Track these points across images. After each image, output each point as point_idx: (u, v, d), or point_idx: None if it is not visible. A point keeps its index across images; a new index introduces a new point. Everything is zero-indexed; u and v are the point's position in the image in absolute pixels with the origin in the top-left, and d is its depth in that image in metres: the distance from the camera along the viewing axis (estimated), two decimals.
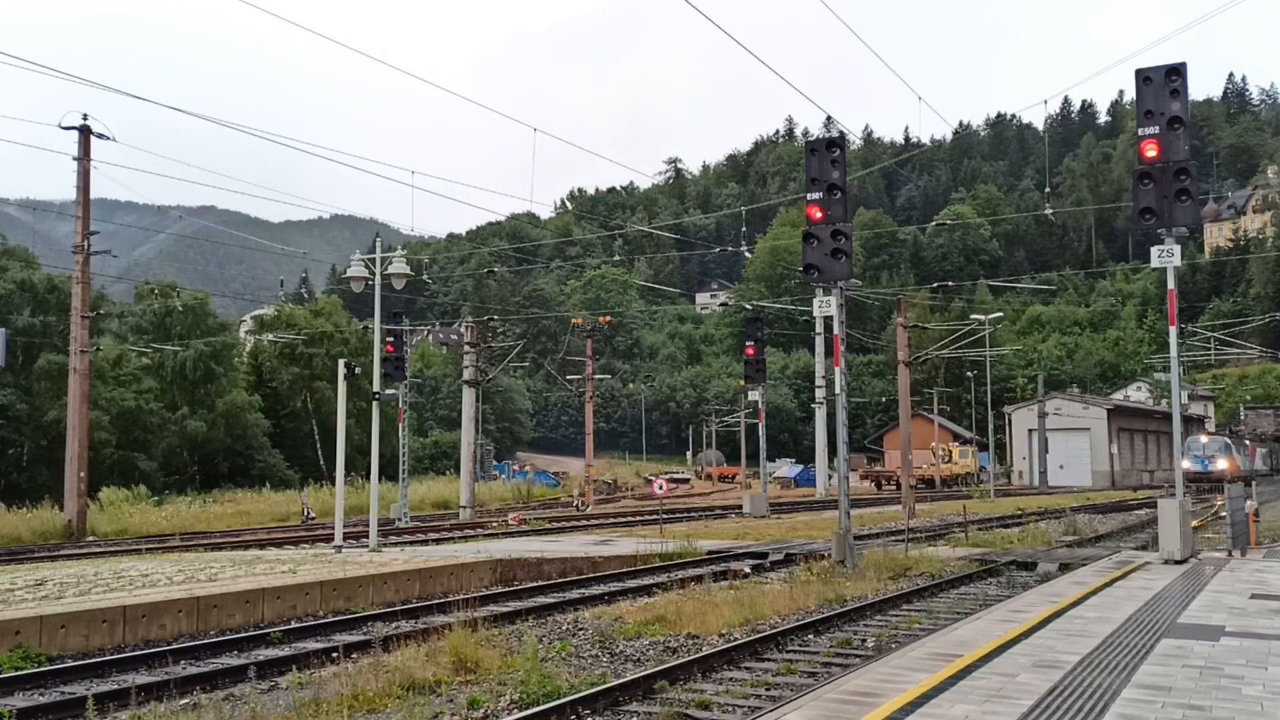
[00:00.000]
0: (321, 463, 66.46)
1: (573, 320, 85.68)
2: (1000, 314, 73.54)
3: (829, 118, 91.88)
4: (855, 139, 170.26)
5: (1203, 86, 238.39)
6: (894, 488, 63.71)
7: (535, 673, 9.83)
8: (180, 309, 66.82)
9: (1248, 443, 74.03)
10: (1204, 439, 61.76)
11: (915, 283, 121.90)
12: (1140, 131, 17.90)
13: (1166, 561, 17.14)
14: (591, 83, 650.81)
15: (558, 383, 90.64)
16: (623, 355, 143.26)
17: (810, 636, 12.89)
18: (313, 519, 40.91)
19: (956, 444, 79.15)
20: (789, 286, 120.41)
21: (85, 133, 32.45)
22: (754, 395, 43.24)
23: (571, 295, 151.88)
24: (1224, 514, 20.93)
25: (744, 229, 49.42)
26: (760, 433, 44.73)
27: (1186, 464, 61.28)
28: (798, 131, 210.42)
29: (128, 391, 59.95)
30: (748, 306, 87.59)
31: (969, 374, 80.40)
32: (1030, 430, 75.30)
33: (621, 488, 78.63)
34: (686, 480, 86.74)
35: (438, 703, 9.52)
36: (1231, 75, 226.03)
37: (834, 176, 20.05)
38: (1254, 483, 36.63)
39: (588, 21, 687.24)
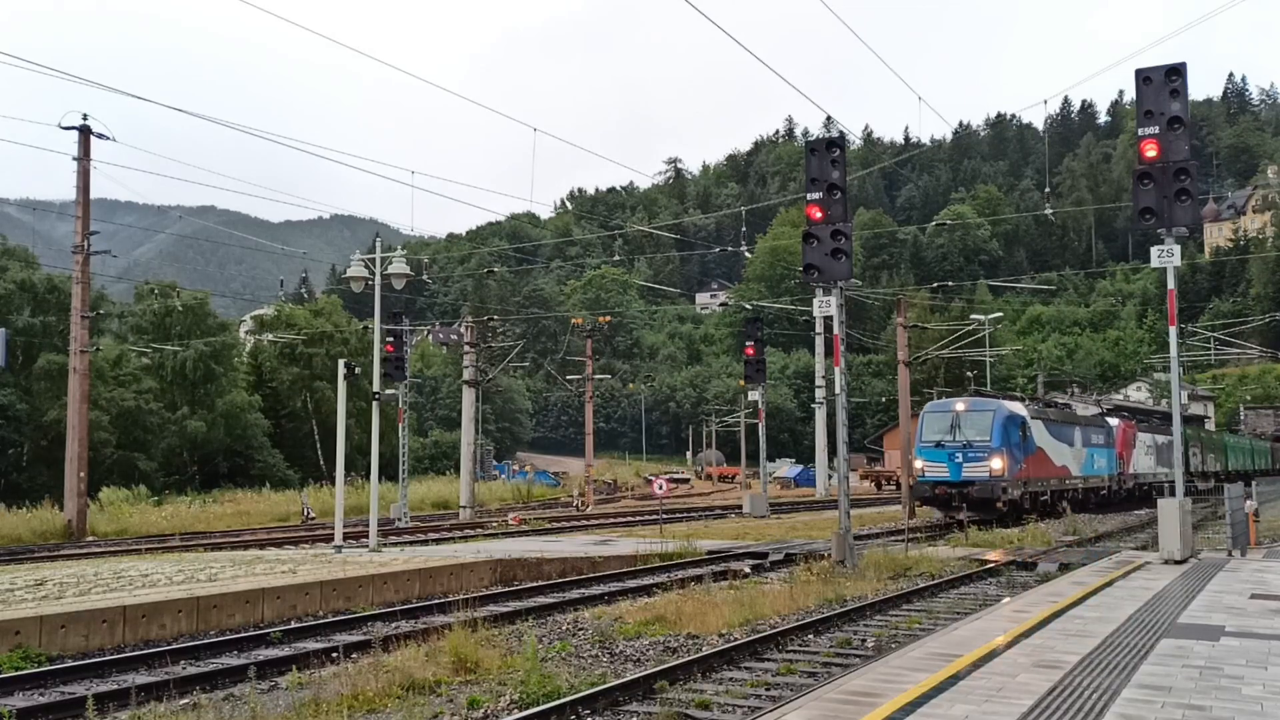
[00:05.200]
0: (321, 463, 66.43)
1: (573, 320, 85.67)
2: (1000, 314, 73.53)
3: (829, 117, 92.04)
4: (855, 139, 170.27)
5: (1203, 86, 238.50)
6: (894, 488, 63.67)
7: (535, 673, 9.83)
8: (180, 309, 66.83)
9: (1114, 423, 40.38)
10: (960, 406, 30.76)
11: (915, 283, 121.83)
12: (1140, 131, 17.91)
13: (1166, 561, 17.14)
14: (588, 80, 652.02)
15: (558, 383, 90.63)
16: (623, 355, 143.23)
17: (810, 636, 12.89)
18: (313, 519, 40.90)
19: None
20: (789, 286, 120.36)
21: (85, 133, 32.42)
22: (754, 395, 43.24)
23: (571, 295, 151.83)
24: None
25: (744, 229, 49.40)
26: (760, 433, 44.73)
27: (918, 464, 30.73)
28: (798, 131, 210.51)
29: (128, 391, 59.95)
30: (748, 306, 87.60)
31: (969, 374, 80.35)
32: None
33: (621, 488, 78.63)
34: (686, 480, 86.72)
35: (438, 703, 9.52)
36: (1231, 75, 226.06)
37: (834, 176, 20.06)
38: (1253, 482, 35.57)
39: (583, 18, 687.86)
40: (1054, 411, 35.74)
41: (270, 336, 71.32)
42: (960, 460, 29.39)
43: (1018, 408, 31.63)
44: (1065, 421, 35.24)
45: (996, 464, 29.09)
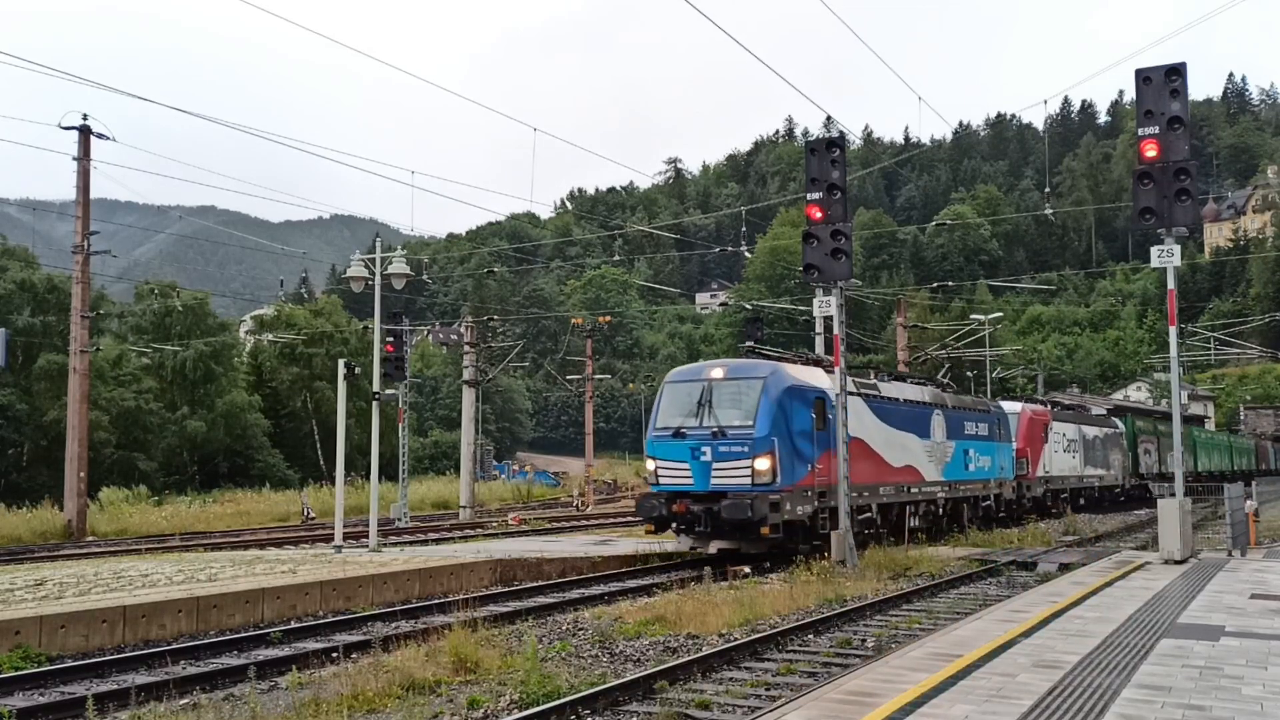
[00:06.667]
0: (321, 463, 66.43)
1: (573, 320, 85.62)
2: (1000, 314, 73.49)
3: (829, 117, 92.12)
4: (855, 139, 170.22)
5: (1202, 86, 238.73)
6: None
7: (535, 673, 9.83)
8: (180, 309, 66.89)
9: (1013, 409, 32.84)
10: (716, 373, 20.52)
11: (915, 282, 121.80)
12: (1140, 131, 17.92)
13: (1166, 561, 17.15)
14: (587, 80, 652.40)
15: (558, 383, 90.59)
16: (623, 355, 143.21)
17: (810, 636, 12.89)
18: (313, 519, 40.91)
19: None
20: (789, 286, 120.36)
21: (85, 133, 32.42)
22: None
23: (571, 295, 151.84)
24: None
25: (744, 229, 49.30)
26: None
27: (650, 464, 20.71)
28: (798, 131, 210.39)
29: (128, 391, 59.98)
30: (748, 306, 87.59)
31: (969, 374, 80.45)
32: None
33: (621, 488, 78.59)
34: None
35: (438, 703, 9.52)
36: (1231, 75, 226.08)
37: (834, 176, 20.06)
38: (1253, 482, 34.04)
39: (583, 18, 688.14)
40: (891, 386, 24.84)
41: (270, 336, 71.34)
42: (709, 458, 19.38)
43: (813, 377, 21.36)
44: (913, 402, 25.05)
45: (762, 464, 19.03)
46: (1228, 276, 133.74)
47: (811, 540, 20.44)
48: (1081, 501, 37.42)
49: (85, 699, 9.27)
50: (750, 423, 19.39)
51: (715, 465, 19.38)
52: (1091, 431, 38.85)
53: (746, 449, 19.27)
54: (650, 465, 20.59)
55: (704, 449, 19.58)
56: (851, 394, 21.37)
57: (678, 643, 12.25)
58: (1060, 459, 35.04)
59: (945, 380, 32.22)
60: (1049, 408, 36.51)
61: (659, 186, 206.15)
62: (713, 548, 20.13)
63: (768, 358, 22.17)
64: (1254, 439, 77.01)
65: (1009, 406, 33.17)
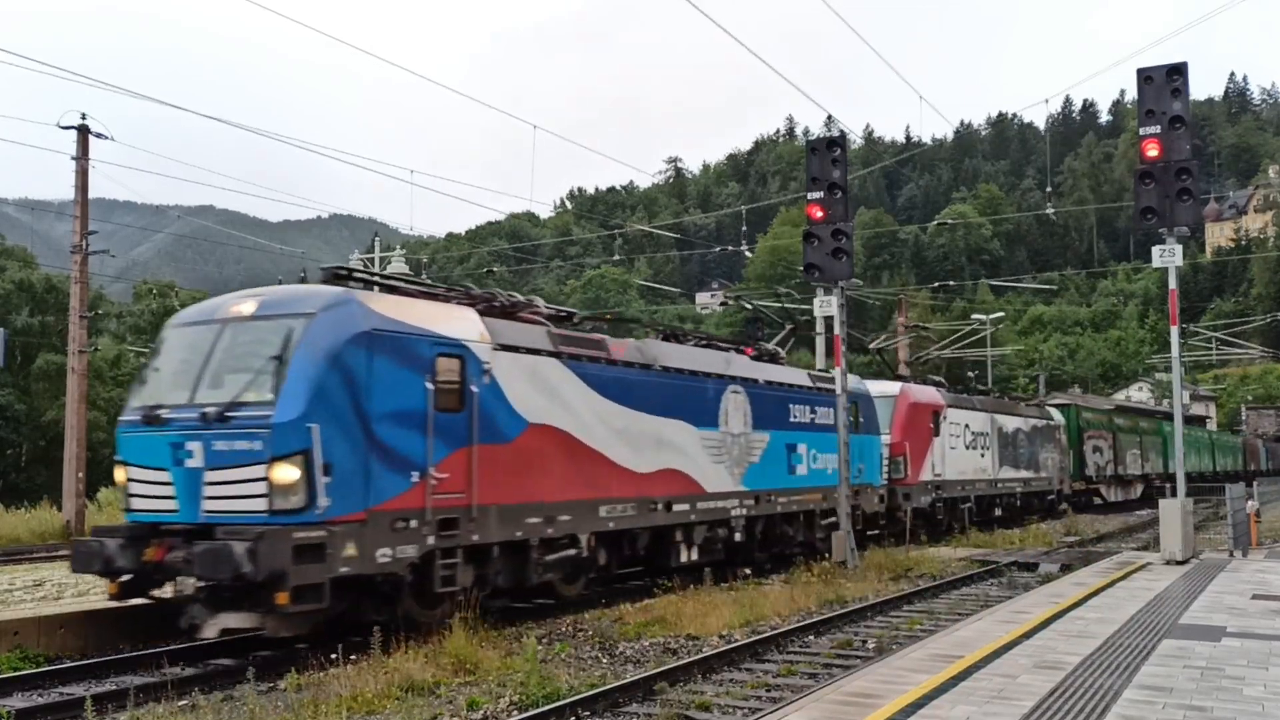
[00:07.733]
0: None
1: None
2: (1002, 314, 73.48)
3: (830, 117, 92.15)
4: (856, 138, 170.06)
5: (1204, 86, 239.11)
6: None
7: (535, 674, 9.80)
8: (178, 308, 66.83)
9: (885, 391, 25.29)
10: (244, 308, 11.97)
11: (916, 282, 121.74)
12: (1141, 131, 17.90)
13: (1168, 562, 17.12)
14: (587, 79, 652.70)
15: None
16: None
17: (811, 637, 12.87)
18: None
19: None
20: (790, 286, 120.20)
21: (84, 132, 32.31)
22: None
23: (571, 295, 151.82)
24: None
25: (744, 228, 49.30)
26: None
27: (118, 474, 11.49)
28: (798, 131, 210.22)
29: (126, 392, 60.04)
30: (748, 306, 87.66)
31: (970, 374, 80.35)
32: None
33: None
34: None
35: (437, 704, 9.48)
36: (1232, 75, 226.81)
37: (835, 176, 20.03)
38: (1254, 481, 32.54)
39: (583, 17, 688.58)
40: (642, 347, 16.60)
41: None
42: (199, 462, 10.72)
43: (442, 320, 12.44)
44: (681, 372, 16.78)
45: (285, 473, 10.44)
46: (1229, 276, 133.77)
47: (430, 605, 12.19)
48: (997, 513, 29.83)
49: (84, 700, 9.24)
50: (269, 396, 10.61)
51: (209, 475, 10.68)
52: (1012, 423, 31.16)
53: (261, 445, 10.48)
54: (119, 475, 11.50)
55: (191, 445, 10.74)
56: (528, 351, 13.54)
57: (678, 644, 12.23)
58: (960, 457, 27.33)
59: (773, 347, 21.89)
60: (943, 389, 28.76)
61: (659, 186, 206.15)
62: (211, 630, 10.71)
63: (366, 282, 13.12)
64: (1243, 437, 76.83)
65: (878, 387, 25.16)
